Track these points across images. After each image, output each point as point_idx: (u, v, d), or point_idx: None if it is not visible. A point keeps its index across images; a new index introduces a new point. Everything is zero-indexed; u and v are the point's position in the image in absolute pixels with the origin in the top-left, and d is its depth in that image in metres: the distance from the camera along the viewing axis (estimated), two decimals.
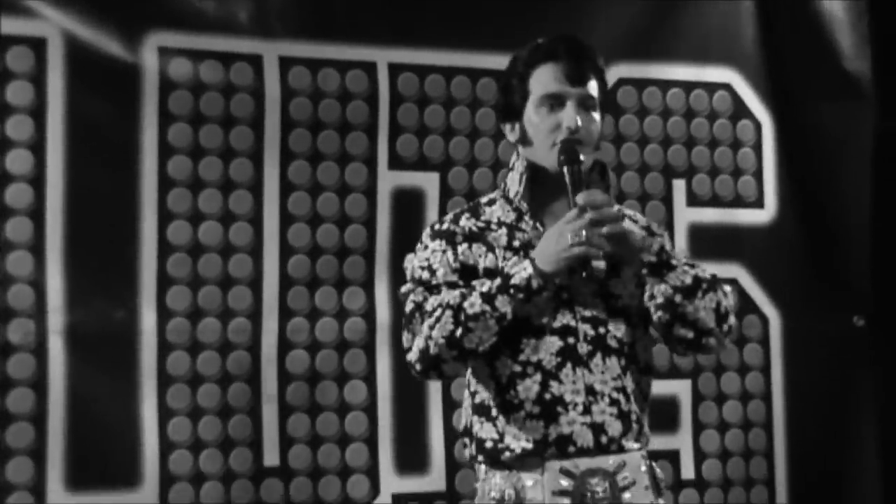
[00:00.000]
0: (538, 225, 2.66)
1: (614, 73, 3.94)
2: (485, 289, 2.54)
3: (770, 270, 4.02)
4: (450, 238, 2.66)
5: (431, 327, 2.54)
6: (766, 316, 4.07)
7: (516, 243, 2.64)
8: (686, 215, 3.96)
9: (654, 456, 3.62)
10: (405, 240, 3.58)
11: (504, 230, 2.65)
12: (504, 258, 2.66)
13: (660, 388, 3.56)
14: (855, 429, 4.10)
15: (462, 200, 3.69)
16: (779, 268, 4.03)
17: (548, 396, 2.52)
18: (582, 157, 2.57)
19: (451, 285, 2.60)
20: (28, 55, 3.33)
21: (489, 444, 2.56)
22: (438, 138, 3.65)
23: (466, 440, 2.64)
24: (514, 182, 2.69)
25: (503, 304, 2.51)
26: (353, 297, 3.55)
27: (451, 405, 3.62)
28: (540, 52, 2.69)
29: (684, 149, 4.01)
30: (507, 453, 2.53)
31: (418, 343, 2.55)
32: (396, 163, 3.62)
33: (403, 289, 2.63)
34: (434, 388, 3.64)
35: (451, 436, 3.64)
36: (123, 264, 3.37)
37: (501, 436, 2.55)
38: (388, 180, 3.61)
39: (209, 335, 3.40)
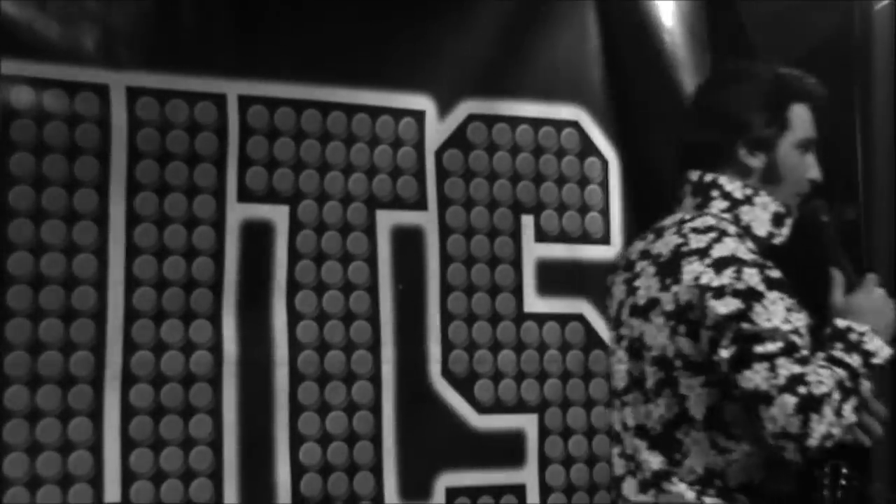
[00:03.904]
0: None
1: (464, 109, 3.91)
2: (855, 365, 2.48)
3: None
4: (785, 290, 2.51)
5: (838, 413, 2.44)
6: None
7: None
8: (534, 251, 3.93)
9: (499, 491, 3.81)
10: (253, 272, 3.64)
11: None
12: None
13: (507, 422, 3.80)
14: None
15: (312, 234, 3.68)
16: None
17: None
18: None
19: (807, 357, 2.49)
20: None
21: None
22: (288, 171, 3.63)
23: (743, 497, 2.56)
24: (763, 221, 2.62)
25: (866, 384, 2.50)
26: (200, 331, 3.50)
27: (298, 439, 3.60)
28: (798, 86, 2.64)
29: (533, 185, 3.96)
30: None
31: (820, 429, 2.44)
32: (245, 195, 3.59)
33: (767, 347, 2.45)
34: (281, 424, 3.61)
35: (298, 471, 3.60)
36: None
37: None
38: (237, 213, 3.58)
39: (50, 368, 3.33)
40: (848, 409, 2.42)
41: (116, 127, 3.45)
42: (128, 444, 3.39)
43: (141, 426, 3.42)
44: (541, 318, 3.95)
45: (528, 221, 3.93)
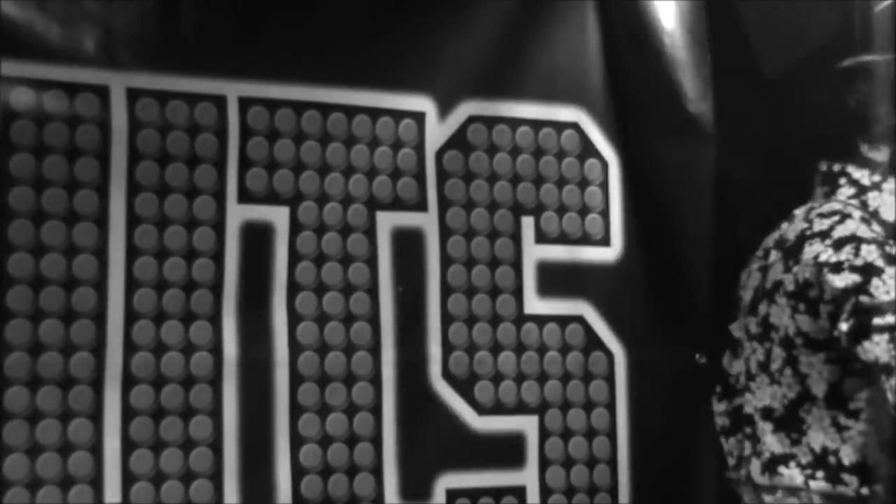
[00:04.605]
0: None
1: (464, 110, 3.85)
2: None
3: (615, 307, 4.00)
4: (892, 258, 2.65)
5: None
6: (612, 352, 4.01)
7: None
8: (534, 252, 3.90)
9: (499, 493, 3.79)
10: (253, 274, 3.62)
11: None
12: None
13: (507, 424, 3.80)
14: (696, 462, 4.08)
15: (312, 235, 3.67)
16: (624, 305, 3.99)
17: None
18: None
19: None
20: None
21: None
22: (288, 172, 3.61)
23: (853, 478, 2.68)
24: (891, 206, 2.78)
25: None
26: (200, 332, 3.50)
27: (298, 441, 3.59)
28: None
29: (533, 186, 3.94)
30: None
31: None
32: (245, 196, 3.56)
33: (886, 319, 2.57)
34: (281, 424, 3.58)
35: (298, 472, 3.60)
36: None
37: None
38: (237, 214, 3.54)
39: (50, 370, 3.32)
40: None
41: (116, 128, 3.40)
42: (128, 446, 3.35)
43: (141, 427, 3.37)
44: (541, 320, 3.92)
45: (528, 223, 3.90)
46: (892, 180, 2.82)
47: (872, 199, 2.83)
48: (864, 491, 2.70)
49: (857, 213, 2.79)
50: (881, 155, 2.84)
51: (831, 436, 2.75)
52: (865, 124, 2.86)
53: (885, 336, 2.56)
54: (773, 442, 2.89)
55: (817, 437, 2.78)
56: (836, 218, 2.79)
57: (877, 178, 2.84)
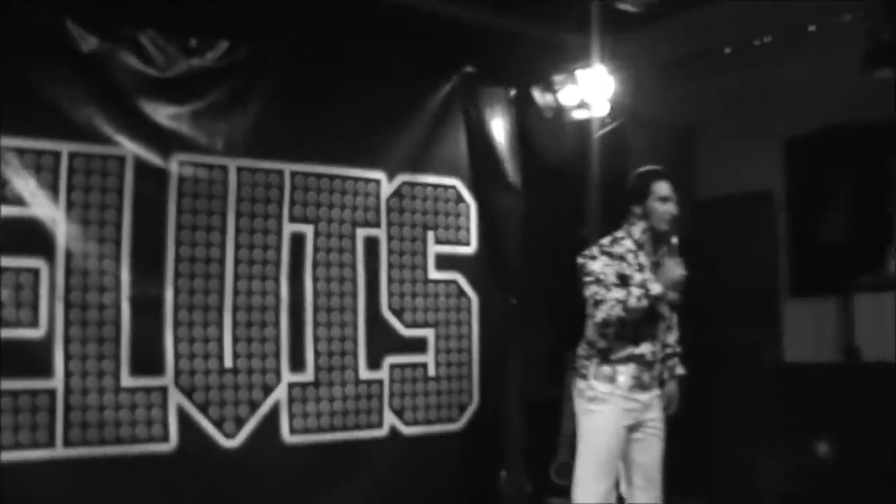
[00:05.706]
0: (645, 256, 4.11)
1: (400, 178, 5.65)
2: (637, 293, 4.06)
3: (473, 275, 5.91)
4: (610, 256, 4.15)
5: (611, 309, 4.06)
6: (471, 298, 5.90)
7: (638, 264, 4.12)
8: (434, 249, 5.79)
9: (413, 366, 5.59)
10: (296, 258, 5.33)
11: (632, 255, 4.20)
12: (634, 270, 4.04)
13: (419, 332, 5.66)
14: (511, 360, 6.04)
15: (325, 239, 5.38)
16: (477, 274, 5.90)
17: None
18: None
19: (615, 285, 4.08)
20: (115, 164, 4.93)
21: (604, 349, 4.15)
22: (314, 207, 5.47)
23: (586, 345, 4.16)
24: (637, 232, 4.18)
25: (644, 303, 4.06)
26: (269, 286, 5.35)
27: (316, 339, 5.38)
28: (656, 174, 4.19)
29: (434, 216, 5.77)
30: (612, 355, 4.14)
31: (601, 315, 4.07)
32: (293, 218, 5.40)
33: (589, 278, 4.04)
34: (308, 330, 5.33)
35: (316, 354, 5.30)
36: (157, 266, 5.01)
37: (611, 348, 4.16)
38: (288, 228, 5.37)
39: (198, 302, 5.13)
40: (617, 309, 4.06)
41: (230, 186, 5.24)
42: (234, 340, 5.26)
43: (241, 329, 5.26)
44: (437, 282, 5.85)
45: (431, 234, 5.79)
46: (643, 220, 4.35)
47: (632, 227, 4.37)
48: (592, 351, 4.44)
49: (620, 233, 4.42)
50: (638, 209, 4.37)
51: (591, 331, 4.35)
52: (626, 199, 4.47)
53: (589, 288, 4.31)
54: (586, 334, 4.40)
55: (587, 332, 4.37)
56: (609, 235, 4.55)
57: (636, 219, 4.42)
